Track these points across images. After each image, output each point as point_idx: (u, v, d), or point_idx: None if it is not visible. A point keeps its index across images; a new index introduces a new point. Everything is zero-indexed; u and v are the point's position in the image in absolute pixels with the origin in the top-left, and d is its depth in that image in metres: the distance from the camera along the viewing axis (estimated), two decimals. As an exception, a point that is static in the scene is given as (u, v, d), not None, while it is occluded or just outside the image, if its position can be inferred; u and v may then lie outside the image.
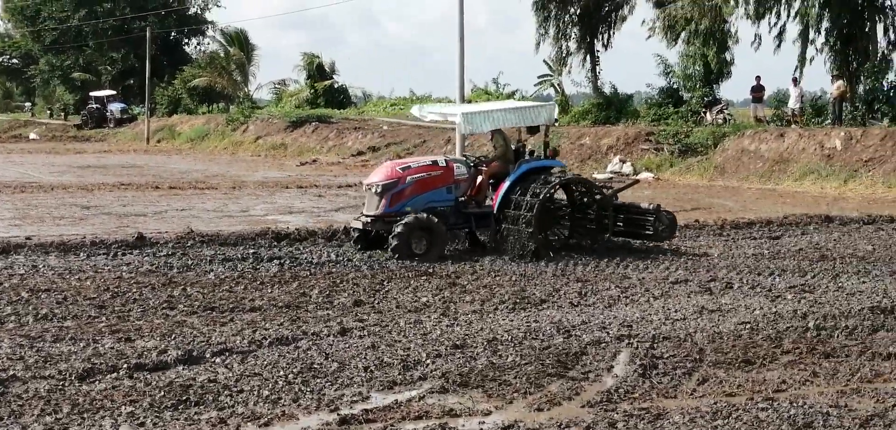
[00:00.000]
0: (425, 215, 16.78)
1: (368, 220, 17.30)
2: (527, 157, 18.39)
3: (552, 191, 17.51)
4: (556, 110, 19.88)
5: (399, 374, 9.40)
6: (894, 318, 12.03)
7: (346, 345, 10.46)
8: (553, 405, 8.63)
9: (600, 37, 53.04)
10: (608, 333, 11.13)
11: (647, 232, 18.04)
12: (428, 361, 9.84)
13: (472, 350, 10.30)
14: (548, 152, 18.66)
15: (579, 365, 9.85)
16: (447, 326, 11.44)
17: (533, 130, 18.96)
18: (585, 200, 18.31)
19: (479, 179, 18.01)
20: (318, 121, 56.93)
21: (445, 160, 18.35)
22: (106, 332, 10.92)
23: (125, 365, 9.44)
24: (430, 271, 15.25)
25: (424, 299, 13.06)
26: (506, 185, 17.52)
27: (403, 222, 16.60)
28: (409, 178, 17.37)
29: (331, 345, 10.45)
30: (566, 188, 18.42)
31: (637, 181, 23.75)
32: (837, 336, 11.10)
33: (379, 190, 17.29)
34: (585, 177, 21.05)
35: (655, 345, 10.60)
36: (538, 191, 17.01)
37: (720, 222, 21.42)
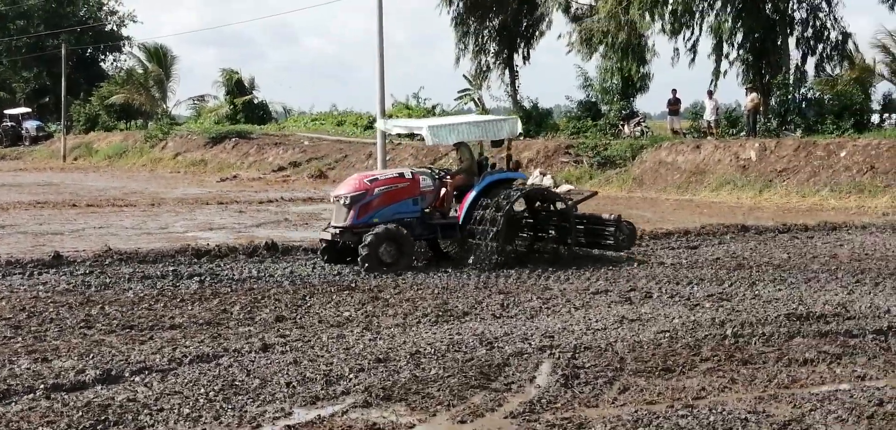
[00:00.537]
0: (393, 226, 17.19)
1: (337, 231, 17.58)
2: (490, 169, 18.82)
3: (515, 202, 17.94)
4: (519, 125, 20.41)
5: (322, 389, 9.35)
6: (810, 324, 12.25)
7: (268, 361, 10.38)
8: (476, 417, 8.65)
9: (519, 51, 53.41)
10: (530, 344, 11.19)
11: (608, 242, 18.60)
12: (351, 375, 9.81)
13: (395, 364, 10.28)
14: (510, 165, 19.21)
15: (502, 376, 9.88)
16: (370, 340, 11.42)
17: (496, 144, 19.40)
18: (547, 211, 18.86)
19: (443, 191, 18.38)
20: (239, 137, 56.49)
21: (411, 172, 18.76)
22: (22, 352, 10.71)
23: (42, 386, 9.27)
24: (353, 285, 15.22)
25: (347, 314, 13.01)
26: (471, 196, 17.94)
27: (373, 232, 16.96)
28: (376, 190, 17.76)
29: (252, 361, 10.36)
30: (528, 199, 18.82)
31: (595, 193, 24.11)
32: (755, 343, 11.28)
33: (347, 202, 17.62)
34: (548, 189, 21.40)
35: (577, 355, 10.67)
36: (503, 203, 17.46)
37: (639, 233, 21.61)
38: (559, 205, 18.88)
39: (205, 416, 8.55)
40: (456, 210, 18.21)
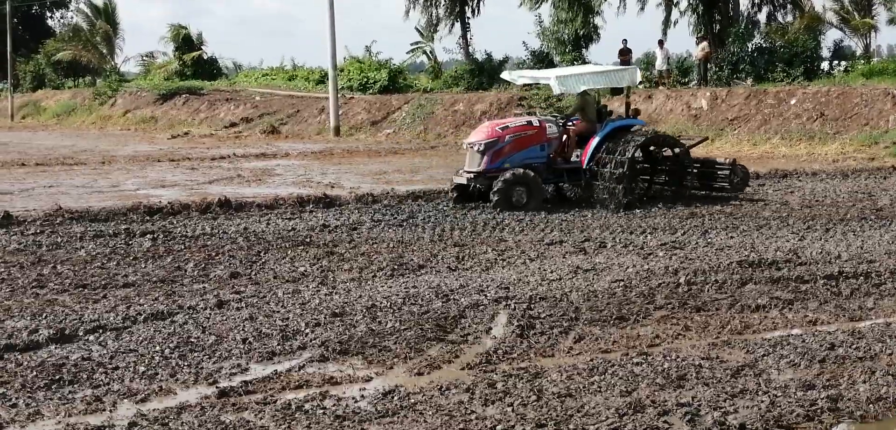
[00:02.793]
0: (522, 170, 18.35)
1: (471, 176, 18.78)
2: (608, 116, 19.93)
3: (640, 147, 19.07)
4: (639, 74, 21.72)
5: (278, 344, 9.33)
6: (762, 271, 12.39)
7: (224, 318, 10.33)
8: (433, 369, 8.68)
9: (470, 3, 53.26)
10: (486, 295, 11.22)
11: (723, 184, 19.82)
12: (307, 330, 9.79)
13: (352, 318, 10.27)
14: (629, 112, 20.36)
15: (458, 328, 9.92)
16: (326, 295, 11.39)
17: (616, 91, 20.40)
18: (662, 155, 20.10)
19: (564, 137, 19.44)
20: (189, 93, 55.99)
21: (538, 120, 19.79)
22: (-27, 314, 10.59)
23: (-6, 347, 9.18)
24: (308, 240, 15.15)
25: (302, 269, 12.97)
26: (594, 141, 19.07)
27: (503, 177, 18.19)
28: (507, 137, 18.97)
29: (208, 318, 10.31)
30: (644, 144, 19.60)
31: (706, 138, 24.77)
32: (707, 291, 11.39)
33: (481, 148, 18.86)
34: (666, 134, 22.36)
35: (532, 306, 10.72)
36: (628, 147, 18.59)
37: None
38: (674, 150, 19.97)
39: (161, 373, 8.50)
40: (578, 156, 19.25)
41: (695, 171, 19.85)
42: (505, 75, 23.32)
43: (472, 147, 19.18)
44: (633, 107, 20.87)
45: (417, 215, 17.67)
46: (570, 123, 19.73)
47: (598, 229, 16.02)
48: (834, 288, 11.47)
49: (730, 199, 19.21)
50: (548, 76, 20.80)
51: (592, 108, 19.83)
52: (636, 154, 18.99)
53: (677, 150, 19.90)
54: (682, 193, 19.42)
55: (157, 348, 9.20)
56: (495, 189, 18.13)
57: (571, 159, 19.36)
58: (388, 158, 31.26)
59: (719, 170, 20.09)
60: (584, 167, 19.03)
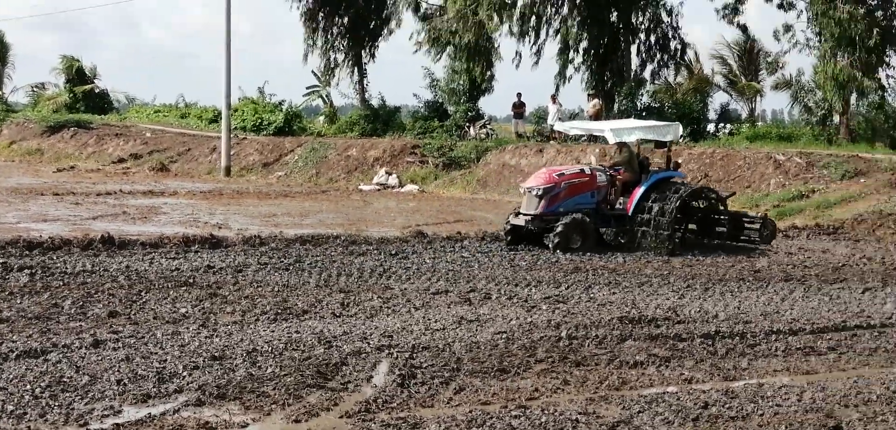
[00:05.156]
0: (581, 216, 19.91)
1: (528, 218, 20.22)
2: (650, 169, 21.52)
3: (687, 195, 20.73)
4: (681, 130, 23.41)
5: (154, 387, 9.17)
6: (641, 327, 12.58)
7: (99, 357, 10.13)
8: (311, 417, 8.62)
9: (368, 49, 53.40)
10: (369, 343, 11.19)
11: (754, 236, 21.22)
12: (184, 373, 9.64)
13: (231, 362, 10.16)
14: (671, 165, 21.83)
15: (339, 376, 9.87)
16: (206, 337, 11.25)
17: (660, 145, 22.29)
18: (703, 205, 21.63)
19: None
20: (78, 126, 54.90)
21: (590, 169, 21.24)
22: None
23: None
24: (191, 281, 14.94)
25: (183, 310, 12.79)
26: (640, 191, 20.60)
27: (564, 221, 19.70)
28: (563, 183, 20.54)
29: (82, 358, 10.09)
30: (689, 196, 21.09)
31: (733, 194, 26.57)
32: (588, 345, 11.52)
33: (539, 193, 20.37)
34: (707, 188, 23.59)
35: (415, 355, 10.72)
36: (674, 197, 20.22)
37: (481, 234, 21.86)
38: (704, 203, 21.72)
39: (30, 413, 8.29)
40: (623, 203, 20.74)
41: (725, 221, 21.55)
42: (558, 126, 25.74)
43: (529, 191, 20.65)
44: (673, 160, 22.43)
45: (304, 259, 17.57)
46: (616, 173, 21.11)
47: (484, 280, 16.11)
48: (710, 347, 11.69)
49: (619, 256, 19.49)
50: (602, 128, 22.44)
51: (635, 159, 21.31)
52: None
53: (715, 201, 21.68)
54: (712, 240, 21.15)
55: (28, 387, 8.97)
56: (556, 232, 19.57)
57: (617, 207, 20.83)
58: (278, 201, 31.06)
59: (748, 223, 21.62)
60: (629, 214, 20.46)
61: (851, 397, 9.61)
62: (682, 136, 23.68)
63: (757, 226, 21.45)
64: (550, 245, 19.60)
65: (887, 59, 39.25)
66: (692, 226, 21.75)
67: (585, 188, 20.70)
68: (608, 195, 20.97)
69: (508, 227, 20.66)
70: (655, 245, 19.88)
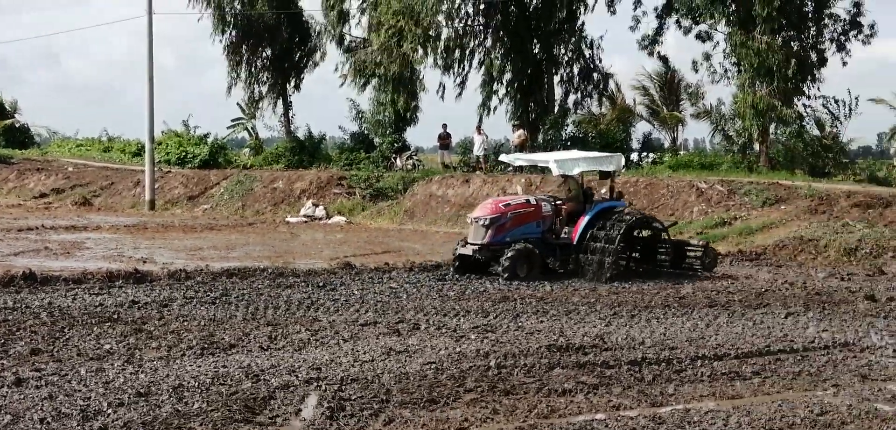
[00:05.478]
0: (528, 245, 20.44)
1: (476, 247, 20.81)
2: (594, 198, 22.23)
3: (630, 226, 21.22)
4: (623, 161, 24.24)
5: (78, 425, 9.03)
6: (569, 355, 12.65)
7: (22, 396, 9.94)
8: (239, 451, 8.53)
9: (292, 81, 53.27)
10: (297, 376, 11.12)
11: (694, 265, 21.79)
12: (109, 410, 9.50)
13: (157, 398, 10.02)
14: (614, 195, 22.59)
15: (267, 410, 9.79)
16: (131, 373, 11.09)
17: (604, 175, 22.92)
18: (643, 235, 22.18)
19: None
20: (-2, 161, 53.98)
21: (535, 199, 21.95)
22: None
23: None
24: (115, 317, 14.73)
25: (108, 347, 12.60)
26: (584, 220, 21.11)
27: (514, 249, 20.27)
28: (510, 213, 21.11)
29: (4, 396, 9.90)
30: (631, 226, 21.53)
31: (675, 223, 27.09)
32: (517, 374, 11.55)
33: (486, 223, 20.93)
34: (650, 216, 24.24)
35: (343, 387, 10.68)
36: (618, 226, 20.71)
37: (409, 265, 21.87)
38: (647, 233, 22.38)
39: (-50, 455, 8.12)
40: (568, 232, 21.26)
41: (668, 250, 22.04)
42: (503, 158, 25.96)
43: (476, 221, 21.17)
44: (617, 190, 23.20)
45: (231, 292, 17.43)
46: (560, 203, 21.72)
47: (413, 310, 16.10)
48: (637, 374, 11.79)
49: (547, 284, 19.61)
50: (547, 160, 22.95)
51: (580, 190, 21.90)
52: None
53: (659, 229, 22.26)
54: (655, 269, 21.58)
55: (-52, 427, 8.78)
56: (506, 260, 20.10)
57: (562, 236, 21.30)
58: (204, 234, 30.77)
59: (690, 251, 22.20)
60: (575, 243, 20.92)
61: (776, 421, 9.75)
62: (624, 167, 24.12)
63: (699, 254, 22.00)
64: (501, 273, 20.06)
65: (805, 89, 40.03)
66: (636, 255, 22.22)
67: (531, 218, 21.26)
68: (553, 225, 21.50)
69: (456, 256, 21.13)
70: (600, 273, 20.25)
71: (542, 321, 15.34)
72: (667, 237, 22.43)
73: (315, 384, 10.81)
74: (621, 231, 20.71)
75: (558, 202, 21.84)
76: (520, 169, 38.78)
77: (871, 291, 19.02)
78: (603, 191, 23.49)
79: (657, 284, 20.07)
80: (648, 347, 13.32)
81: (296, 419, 9.56)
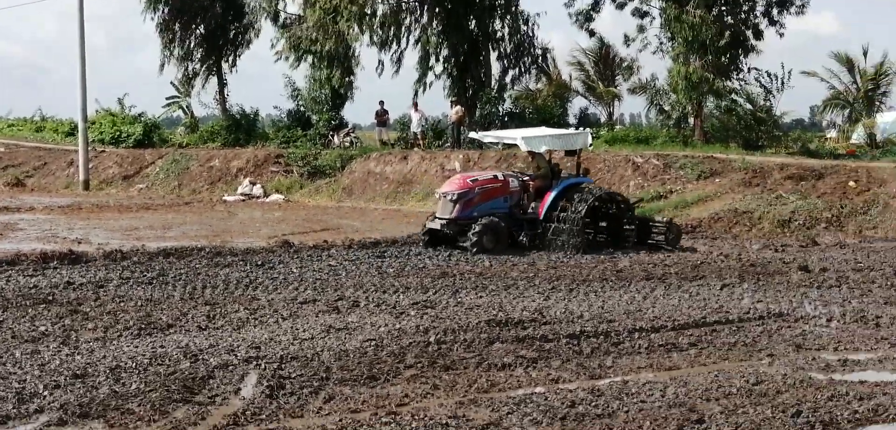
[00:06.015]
0: (495, 220, 20.97)
1: (444, 222, 21.36)
2: (562, 175, 22.58)
3: (596, 200, 21.79)
4: (590, 138, 24.59)
5: (13, 408, 8.91)
6: (509, 330, 12.72)
7: (-45, 380, 9.79)
8: (178, 432, 8.48)
9: (227, 58, 52.79)
10: (236, 355, 11.07)
11: (659, 239, 22.23)
12: (45, 392, 9.39)
13: (94, 379, 9.93)
14: (580, 171, 23.09)
15: (206, 389, 9.74)
16: (67, 355, 10.97)
17: (570, 153, 23.25)
18: (605, 210, 22.51)
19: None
20: (-75, 145, 52.92)
21: (503, 175, 22.63)
22: None
23: None
24: (50, 298, 14.54)
25: (43, 328, 12.44)
26: (551, 196, 21.68)
27: (481, 223, 20.81)
28: (477, 189, 21.73)
29: (-63, 381, 9.75)
30: (596, 201, 22.00)
31: (641, 200, 27.40)
32: (456, 349, 11.60)
33: (454, 198, 21.50)
34: (615, 193, 24.61)
35: (283, 366, 10.65)
36: (584, 201, 21.33)
37: (348, 242, 21.81)
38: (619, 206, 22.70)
39: None
40: (534, 208, 21.78)
41: (634, 226, 22.39)
42: (473, 135, 26.82)
43: (444, 196, 21.79)
44: (583, 167, 23.71)
45: (168, 272, 17.27)
46: (528, 179, 22.25)
47: (352, 288, 16.07)
48: (576, 347, 11.89)
49: (478, 260, 19.68)
50: (514, 136, 23.40)
51: (548, 166, 22.34)
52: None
53: (623, 206, 22.63)
54: (621, 244, 21.84)
55: None
56: (473, 234, 20.62)
57: (529, 211, 21.84)
58: (139, 214, 30.45)
59: (654, 227, 22.64)
60: (541, 218, 21.46)
61: (713, 391, 9.88)
62: (590, 144, 24.80)
63: (663, 230, 22.42)
64: (468, 247, 20.52)
65: (740, 63, 40.44)
66: (602, 231, 22.57)
67: (498, 193, 21.84)
68: (521, 200, 22.03)
69: (426, 230, 21.80)
70: (561, 246, 20.79)
71: (481, 297, 15.39)
72: (631, 214, 22.72)
73: (254, 362, 10.78)
74: (586, 206, 21.26)
75: (526, 178, 22.37)
76: (456, 145, 38.87)
77: (805, 262, 19.32)
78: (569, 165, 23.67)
79: (594, 258, 20.21)
80: (587, 320, 13.42)
81: (235, 397, 9.52)
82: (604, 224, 22.67)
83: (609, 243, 22.05)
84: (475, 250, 20.43)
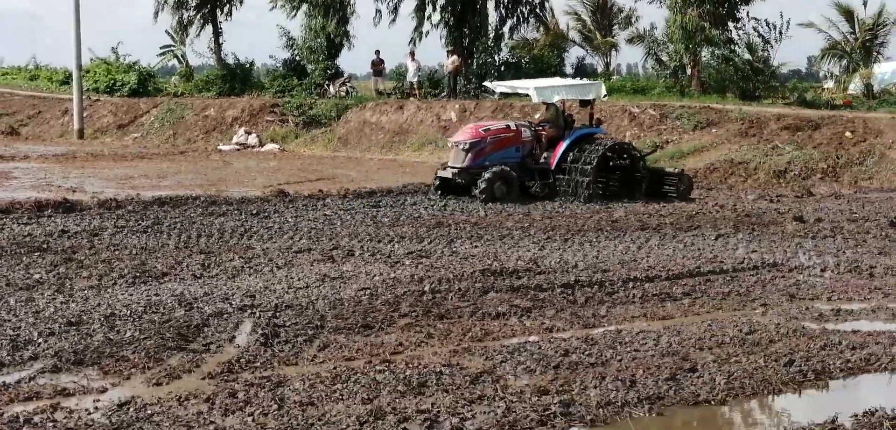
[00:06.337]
0: (506, 169, 21.07)
1: (455, 171, 21.53)
2: (574, 126, 22.62)
3: (607, 151, 21.92)
4: (604, 88, 24.83)
5: (7, 355, 8.93)
6: (503, 279, 12.73)
7: (-51, 327, 9.80)
8: (173, 379, 8.51)
9: (222, 6, 52.43)
10: (231, 304, 11.08)
11: (671, 191, 22.12)
12: (40, 340, 9.41)
13: (88, 327, 9.94)
14: (593, 122, 23.06)
15: (201, 337, 9.76)
16: (62, 303, 10.98)
17: (584, 103, 23.38)
18: (616, 161, 22.41)
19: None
20: (-81, 92, 52.71)
21: (515, 124, 22.85)
22: None
23: None
24: (45, 246, 14.53)
25: (37, 276, 12.45)
26: (563, 145, 21.73)
27: (490, 172, 20.92)
28: (489, 138, 21.86)
29: (-69, 328, 9.75)
30: (608, 151, 22.10)
31: (655, 149, 27.35)
32: (451, 299, 11.61)
33: (466, 147, 21.66)
34: (626, 143, 24.46)
35: (278, 314, 10.66)
36: (596, 151, 21.40)
37: (343, 192, 21.80)
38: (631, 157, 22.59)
39: None
40: (547, 158, 21.87)
41: (646, 176, 22.23)
42: (487, 85, 27.00)
43: (456, 145, 21.98)
44: (596, 117, 23.59)
45: (163, 221, 17.27)
46: (541, 129, 22.29)
47: (347, 237, 16.07)
48: (570, 296, 11.91)
49: (472, 209, 19.68)
50: (527, 87, 23.67)
51: (560, 117, 22.34)
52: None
53: (636, 156, 22.51)
54: (633, 195, 21.70)
55: None
56: (483, 182, 20.73)
57: (541, 161, 21.93)
58: (134, 163, 30.39)
59: (667, 178, 22.58)
60: (553, 168, 21.57)
61: (706, 339, 9.92)
62: (604, 95, 24.99)
63: (675, 181, 22.38)
64: (478, 195, 20.71)
65: (736, 12, 40.23)
66: (613, 181, 22.43)
67: (510, 143, 21.97)
68: (533, 150, 22.14)
69: (437, 180, 21.93)
70: (573, 194, 21.03)
71: (476, 246, 15.39)
72: (643, 165, 22.58)
73: (249, 311, 10.79)
74: (598, 156, 21.31)
75: (538, 128, 22.41)
76: (452, 96, 38.78)
77: (800, 212, 19.33)
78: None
79: (590, 208, 20.21)
80: (581, 270, 13.44)
81: (230, 345, 9.55)
82: (617, 174, 22.56)
83: (621, 194, 21.97)
84: (484, 198, 20.55)
